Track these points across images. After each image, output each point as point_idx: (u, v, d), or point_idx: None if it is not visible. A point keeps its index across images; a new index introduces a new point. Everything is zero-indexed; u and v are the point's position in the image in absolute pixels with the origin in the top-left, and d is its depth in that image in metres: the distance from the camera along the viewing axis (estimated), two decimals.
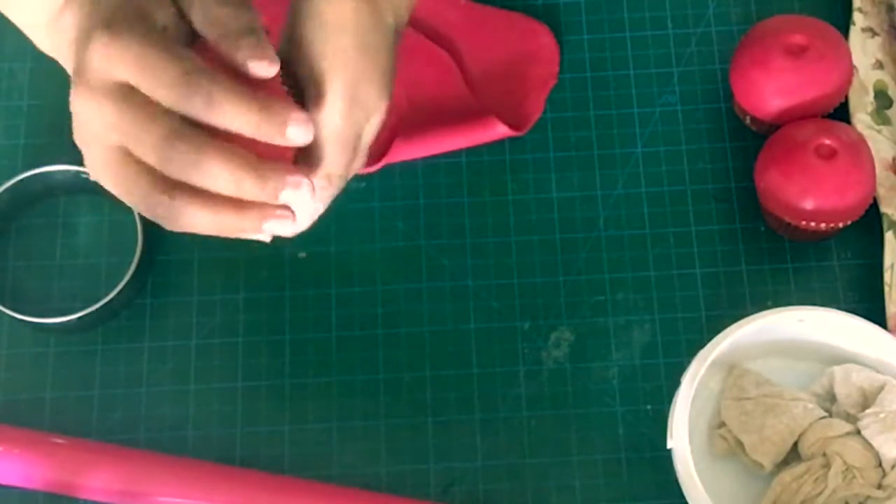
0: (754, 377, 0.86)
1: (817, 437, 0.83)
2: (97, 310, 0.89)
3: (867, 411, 0.84)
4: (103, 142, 0.66)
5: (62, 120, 0.98)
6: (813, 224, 0.89)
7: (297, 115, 0.66)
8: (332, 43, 0.70)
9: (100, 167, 0.67)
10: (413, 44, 0.98)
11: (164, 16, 0.67)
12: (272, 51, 0.66)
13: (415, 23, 0.99)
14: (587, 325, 0.91)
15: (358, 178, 0.95)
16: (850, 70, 0.93)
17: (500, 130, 0.95)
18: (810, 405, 0.85)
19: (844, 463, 0.83)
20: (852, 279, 0.92)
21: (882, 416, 0.83)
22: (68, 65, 0.70)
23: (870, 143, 0.91)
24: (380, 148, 0.95)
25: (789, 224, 0.90)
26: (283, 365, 0.90)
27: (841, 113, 0.93)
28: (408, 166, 0.95)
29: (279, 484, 0.86)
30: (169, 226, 0.67)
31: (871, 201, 0.90)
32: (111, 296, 0.89)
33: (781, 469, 0.84)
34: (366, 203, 0.94)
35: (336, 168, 0.71)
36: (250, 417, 0.89)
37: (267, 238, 0.68)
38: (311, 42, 0.70)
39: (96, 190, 0.93)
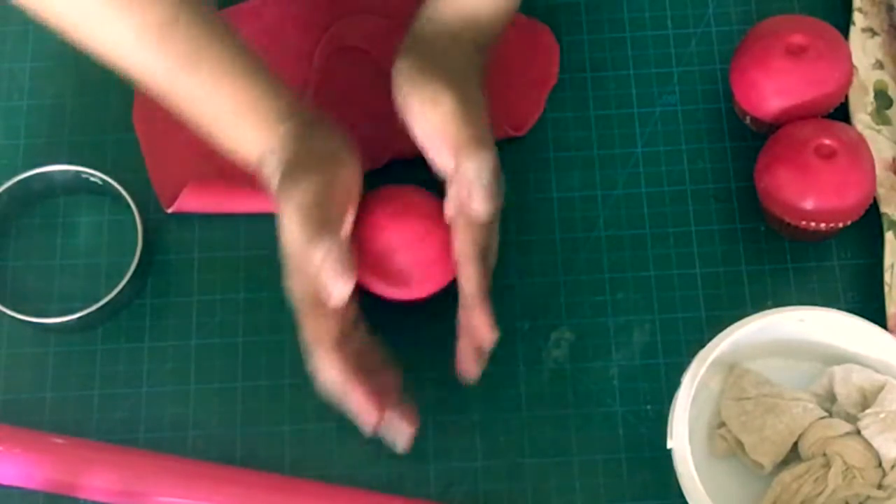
0: (754, 377, 0.86)
1: (817, 437, 0.84)
2: (97, 310, 0.89)
3: (867, 411, 0.84)
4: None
5: (62, 120, 0.98)
6: (813, 224, 0.89)
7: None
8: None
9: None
10: None
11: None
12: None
13: None
14: (587, 325, 0.91)
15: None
16: (850, 70, 0.93)
17: (501, 132, 0.95)
18: (810, 405, 0.85)
19: (844, 463, 0.83)
20: (852, 279, 0.92)
21: (882, 416, 0.83)
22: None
23: (870, 143, 0.91)
24: (381, 147, 0.95)
25: (789, 224, 0.90)
26: (283, 365, 0.90)
27: (841, 113, 0.93)
28: (408, 165, 0.95)
29: (279, 484, 0.86)
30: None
31: (871, 201, 0.90)
32: (111, 296, 0.89)
33: (781, 469, 0.84)
34: None
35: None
36: (250, 417, 0.89)
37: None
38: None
39: (96, 190, 0.93)
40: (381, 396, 0.83)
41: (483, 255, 0.85)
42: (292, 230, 0.81)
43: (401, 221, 0.87)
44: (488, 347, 0.86)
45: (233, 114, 0.84)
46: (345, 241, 0.82)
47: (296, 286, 0.82)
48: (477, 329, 0.85)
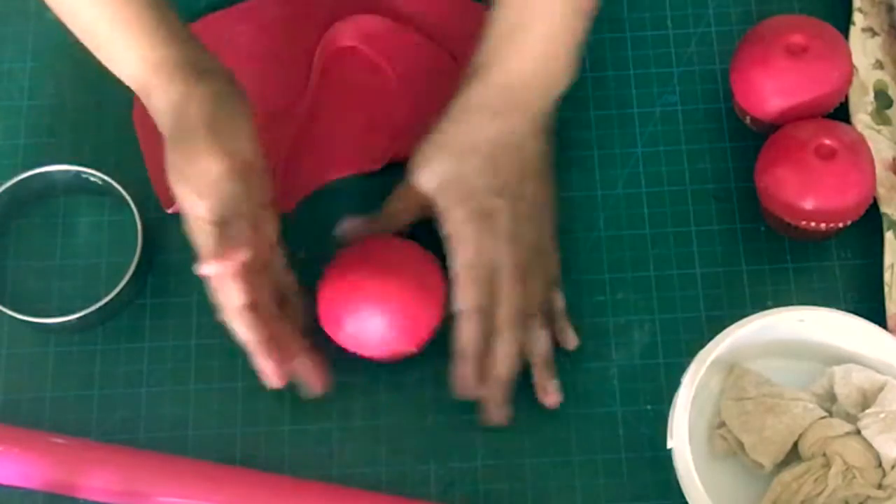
0: (754, 377, 0.86)
1: (817, 437, 0.83)
2: (97, 310, 0.89)
3: (867, 411, 0.84)
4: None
5: (62, 120, 0.98)
6: (813, 224, 0.89)
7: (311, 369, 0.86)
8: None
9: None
10: (414, 44, 0.98)
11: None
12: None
13: (415, 23, 0.99)
14: (587, 325, 0.91)
15: (360, 177, 0.95)
16: (850, 70, 0.93)
17: None
18: (810, 405, 0.85)
19: (844, 463, 0.83)
20: (852, 279, 0.92)
21: (882, 416, 0.83)
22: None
23: (870, 143, 0.91)
24: (381, 147, 0.95)
25: (789, 224, 0.90)
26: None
27: (841, 113, 0.93)
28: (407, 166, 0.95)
29: (279, 484, 0.86)
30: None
31: (871, 201, 0.90)
32: (111, 296, 0.89)
33: (781, 469, 0.84)
34: (367, 202, 0.94)
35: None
36: (250, 417, 0.89)
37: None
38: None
39: (96, 190, 0.93)
40: (287, 349, 0.84)
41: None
42: (195, 206, 0.79)
43: (380, 281, 0.85)
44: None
45: (108, 24, 0.80)
46: (240, 215, 0.80)
47: (198, 240, 0.81)
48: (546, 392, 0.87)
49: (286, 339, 0.84)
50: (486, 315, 0.85)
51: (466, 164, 0.86)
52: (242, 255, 0.80)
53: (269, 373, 0.84)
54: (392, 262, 0.87)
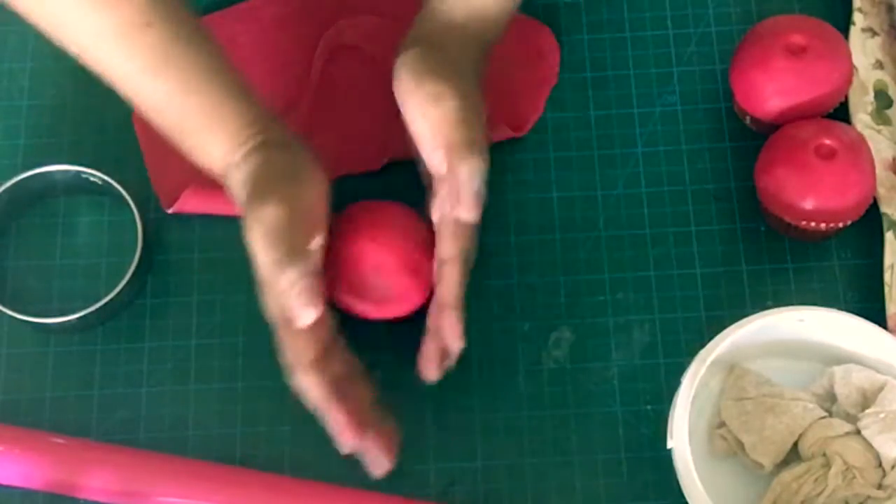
0: (754, 377, 0.86)
1: (817, 437, 0.84)
2: (97, 310, 0.89)
3: (867, 411, 0.84)
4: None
5: (62, 120, 0.98)
6: (813, 224, 0.89)
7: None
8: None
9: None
10: None
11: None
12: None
13: None
14: (587, 325, 0.91)
15: (360, 177, 0.95)
16: (850, 70, 0.93)
17: (501, 132, 0.95)
18: (810, 405, 0.85)
19: (844, 463, 0.83)
20: (852, 279, 0.92)
21: (882, 416, 0.83)
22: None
23: (870, 143, 0.91)
24: (380, 147, 0.95)
25: (789, 224, 0.90)
26: (283, 365, 0.89)
27: (841, 113, 0.93)
28: (408, 165, 0.95)
29: (279, 484, 0.86)
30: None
31: (871, 201, 0.90)
32: (111, 296, 0.89)
33: (781, 469, 0.84)
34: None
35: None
36: (250, 417, 0.89)
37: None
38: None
39: (96, 190, 0.93)
40: (359, 417, 0.83)
41: (465, 258, 0.85)
42: (260, 253, 0.80)
43: (380, 240, 0.86)
44: (454, 354, 0.85)
45: (197, 124, 0.83)
46: (313, 264, 0.81)
47: (269, 305, 0.82)
48: (447, 333, 0.85)
49: (356, 411, 0.83)
50: None
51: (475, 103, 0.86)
52: (320, 303, 0.80)
53: (343, 430, 0.82)
54: (387, 218, 0.87)
